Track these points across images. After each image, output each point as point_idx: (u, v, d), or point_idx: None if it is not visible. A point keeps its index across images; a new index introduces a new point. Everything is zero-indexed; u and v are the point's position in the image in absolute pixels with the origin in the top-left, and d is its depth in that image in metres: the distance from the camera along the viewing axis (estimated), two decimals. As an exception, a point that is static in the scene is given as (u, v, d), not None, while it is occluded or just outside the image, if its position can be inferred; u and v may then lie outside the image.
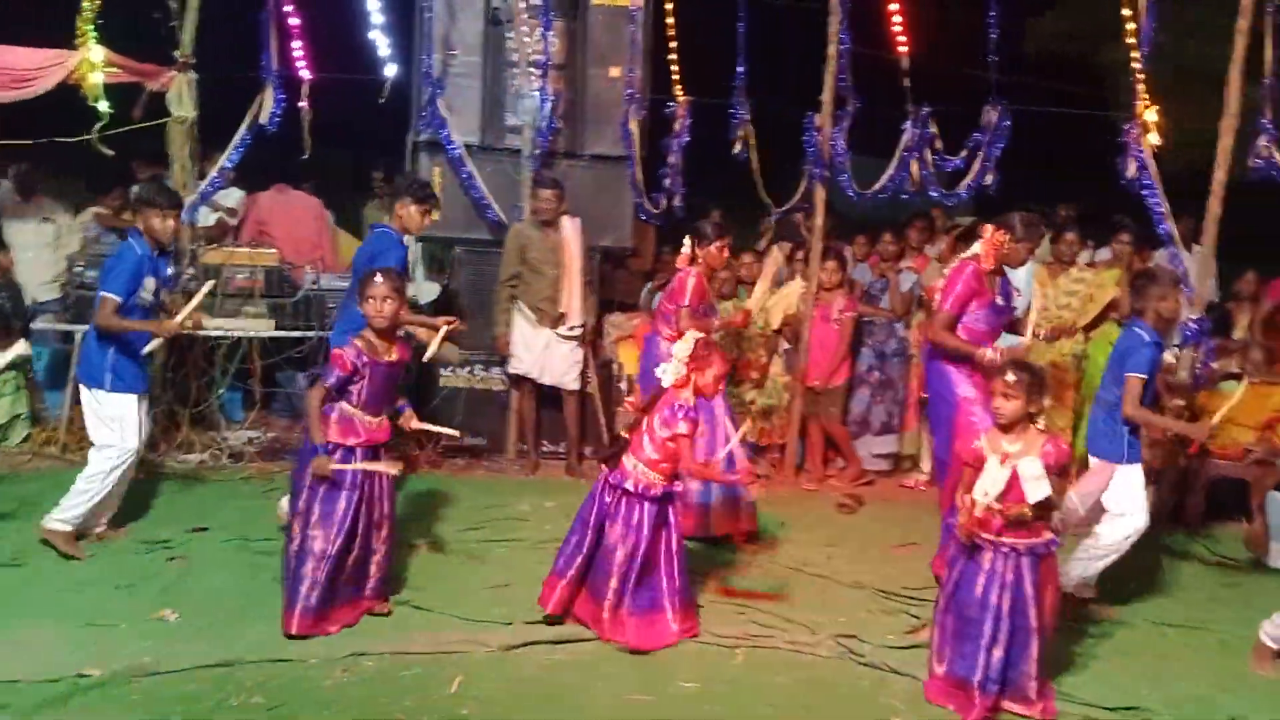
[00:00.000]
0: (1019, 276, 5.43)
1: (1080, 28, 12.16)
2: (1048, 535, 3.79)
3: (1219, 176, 5.94)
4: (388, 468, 4.35)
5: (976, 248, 5.07)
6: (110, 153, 6.13)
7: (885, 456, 7.16)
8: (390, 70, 7.30)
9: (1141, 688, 4.09)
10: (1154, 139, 6.18)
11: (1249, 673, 4.31)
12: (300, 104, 6.77)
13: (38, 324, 7.04)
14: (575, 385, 6.81)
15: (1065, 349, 6.39)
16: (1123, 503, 4.60)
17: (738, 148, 7.43)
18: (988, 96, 7.07)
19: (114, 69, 6.08)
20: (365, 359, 4.25)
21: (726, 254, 5.84)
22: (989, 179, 6.84)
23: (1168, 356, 5.60)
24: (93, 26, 5.93)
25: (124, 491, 5.12)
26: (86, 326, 6.26)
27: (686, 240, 5.74)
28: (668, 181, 7.45)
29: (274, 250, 6.98)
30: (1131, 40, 6.27)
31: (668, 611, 4.27)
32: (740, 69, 7.32)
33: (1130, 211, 6.85)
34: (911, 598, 4.86)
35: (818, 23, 6.91)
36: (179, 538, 5.16)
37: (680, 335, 5.60)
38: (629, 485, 4.25)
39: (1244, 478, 6.05)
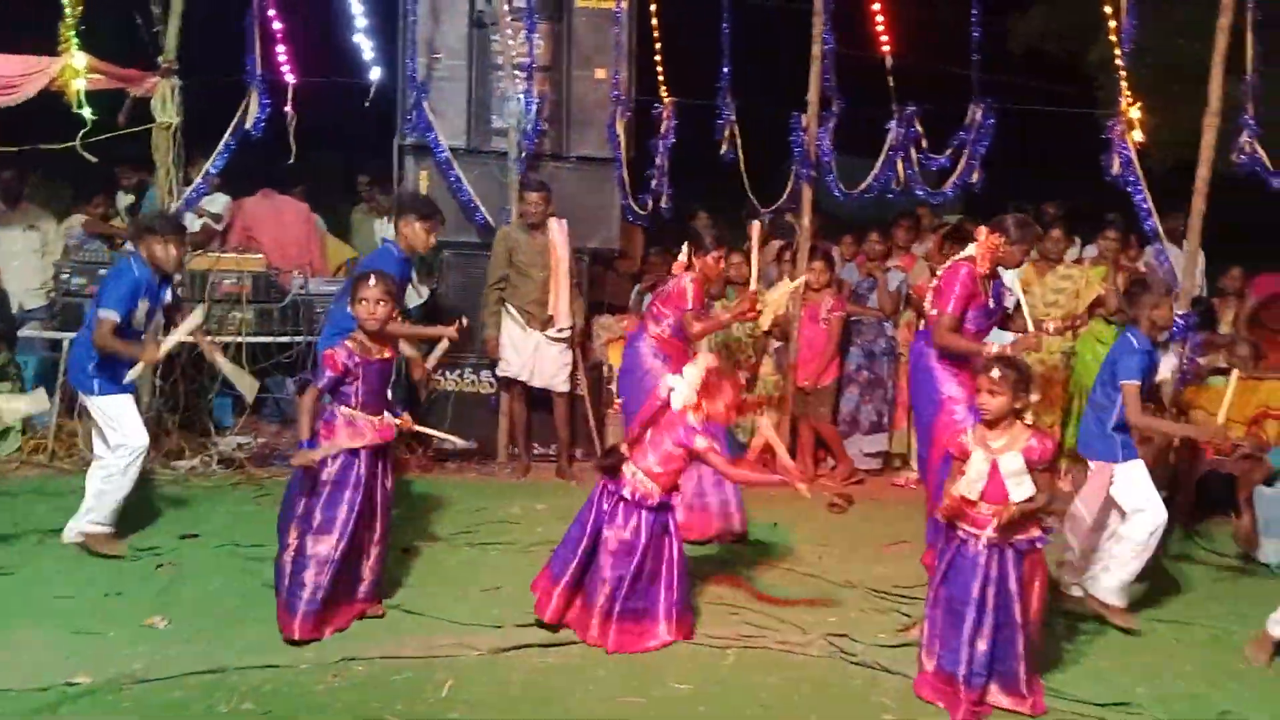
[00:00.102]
0: (1005, 274, 5.44)
1: (1067, 26, 12.21)
2: (1035, 531, 3.80)
3: (1202, 173, 5.96)
4: (358, 439, 4.26)
5: (971, 250, 5.06)
6: (94, 159, 6.12)
7: (875, 455, 7.18)
8: (375, 74, 7.28)
9: (1132, 684, 4.09)
10: (1138, 136, 6.21)
11: (1240, 668, 4.32)
12: (285, 108, 6.76)
13: (25, 331, 7.01)
14: (565, 387, 6.81)
15: (1054, 345, 6.42)
16: (1135, 499, 4.58)
17: (724, 148, 7.44)
18: (974, 95, 7.10)
19: (97, 75, 6.06)
20: (357, 359, 4.26)
21: (723, 265, 5.84)
22: (974, 177, 6.85)
23: (1164, 371, 5.58)
24: (75, 32, 5.92)
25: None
26: (73, 334, 6.29)
27: (685, 247, 5.74)
28: (654, 183, 7.46)
29: (261, 255, 6.96)
30: (1114, 38, 6.30)
31: (660, 622, 4.25)
32: (725, 69, 7.33)
33: (1119, 209, 6.89)
34: (903, 596, 4.86)
35: (802, 23, 6.94)
36: (169, 544, 5.15)
37: (683, 339, 5.65)
38: (626, 493, 4.25)
39: (1232, 473, 6.08)
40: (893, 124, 6.98)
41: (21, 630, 4.14)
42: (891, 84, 7.10)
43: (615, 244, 7.55)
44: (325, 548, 4.18)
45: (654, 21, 7.45)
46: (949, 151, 6.96)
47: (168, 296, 5.16)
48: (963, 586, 3.78)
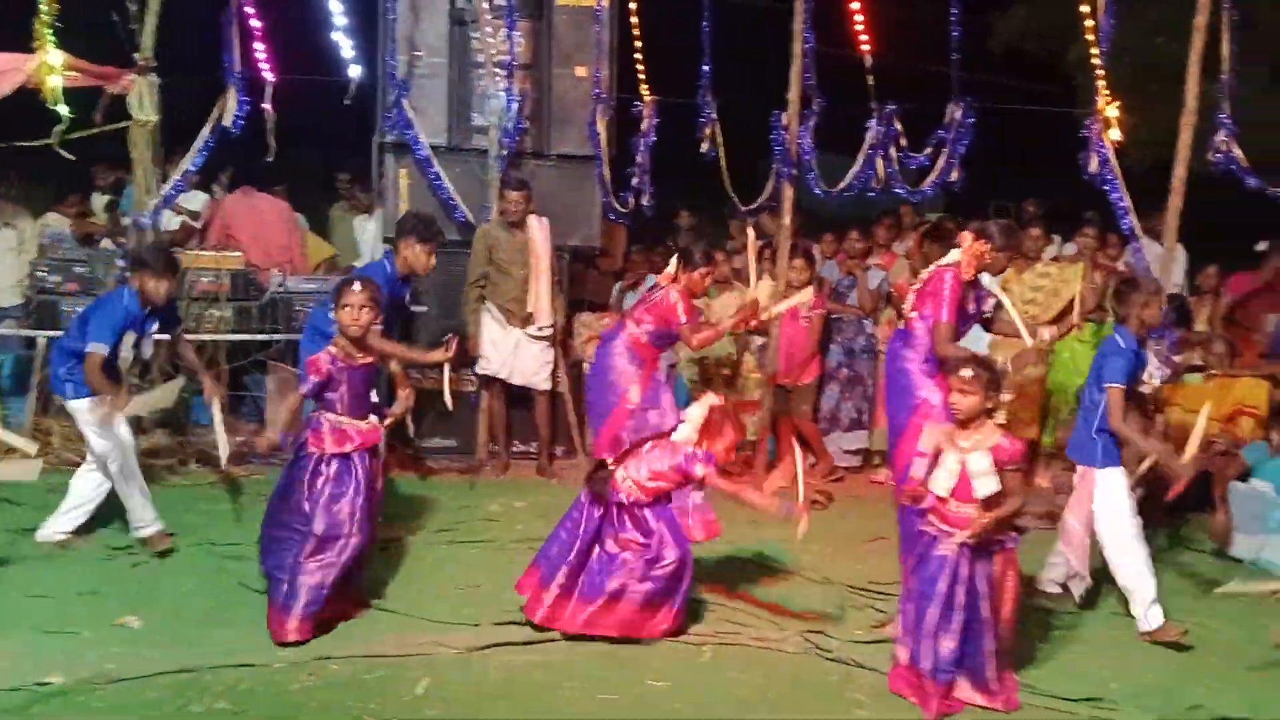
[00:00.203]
0: (983, 276, 5.44)
1: (1047, 25, 12.27)
2: (1006, 532, 3.82)
3: (1179, 172, 6.00)
4: (346, 444, 4.28)
5: (955, 256, 5.04)
6: (72, 157, 6.07)
7: (855, 452, 7.20)
8: (355, 71, 7.25)
9: (1105, 679, 4.12)
10: (1115, 134, 6.24)
11: (1213, 662, 4.36)
12: (264, 106, 6.72)
13: (0, 329, 6.97)
14: (546, 385, 6.80)
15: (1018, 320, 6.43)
16: (1106, 508, 4.55)
17: (705, 146, 7.44)
18: (953, 94, 7.12)
19: (73, 72, 6.01)
20: (340, 364, 4.27)
21: (708, 283, 5.85)
22: (954, 176, 6.87)
23: (1156, 379, 5.55)
24: (50, 29, 5.87)
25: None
26: (50, 333, 6.27)
27: (674, 260, 5.74)
28: (635, 181, 7.45)
29: (239, 253, 6.93)
30: (1091, 37, 6.33)
31: (663, 609, 4.27)
32: (706, 67, 7.33)
33: (1098, 207, 6.92)
34: (879, 592, 4.89)
35: (783, 21, 6.94)
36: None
37: (660, 347, 5.66)
38: (621, 498, 4.27)
39: (1208, 469, 6.11)
40: (872, 122, 6.99)
41: (-7, 631, 4.11)
42: (871, 83, 7.11)
43: (596, 242, 7.55)
44: (331, 553, 4.19)
45: (634, 20, 7.45)
46: (928, 150, 6.98)
47: (154, 327, 5.16)
48: (929, 582, 3.80)
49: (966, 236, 5.04)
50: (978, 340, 5.53)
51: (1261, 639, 4.47)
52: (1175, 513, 6.24)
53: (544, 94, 7.26)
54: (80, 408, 4.95)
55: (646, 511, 4.28)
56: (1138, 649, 4.46)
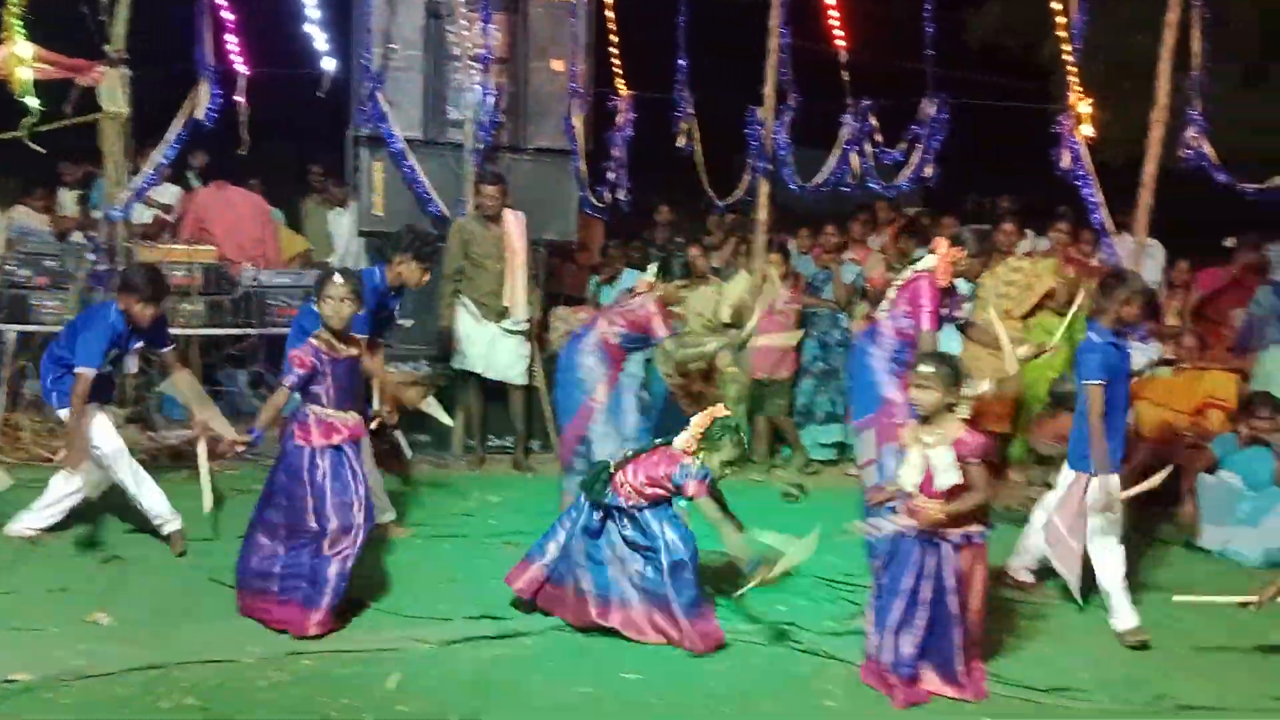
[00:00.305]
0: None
1: (1022, 21, 12.32)
2: (973, 526, 3.85)
3: (1149, 168, 6.07)
4: (335, 436, 4.31)
5: (930, 262, 5.07)
6: (42, 150, 6.02)
7: (830, 446, 7.23)
8: (328, 64, 7.21)
9: (1073, 668, 4.17)
10: (1087, 130, 6.29)
11: (1180, 652, 4.40)
12: (237, 99, 6.67)
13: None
14: (522, 380, 6.80)
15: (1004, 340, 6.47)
16: (1099, 507, 4.53)
17: (681, 141, 7.46)
18: (928, 90, 7.15)
19: (43, 64, 5.96)
20: (324, 356, 4.27)
21: (683, 294, 5.87)
22: (928, 171, 6.91)
23: (1140, 361, 5.52)
24: (19, 21, 5.81)
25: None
26: (16, 326, 6.22)
27: (652, 268, 5.75)
28: (612, 175, 7.45)
29: (212, 247, 6.89)
30: (1063, 34, 6.38)
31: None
32: (682, 62, 7.33)
33: (1073, 203, 6.96)
34: (852, 585, 4.91)
35: (760, 16, 6.96)
36: (115, 539, 5.09)
37: (628, 350, 5.67)
38: (621, 502, 4.28)
39: (1176, 461, 6.16)
40: (847, 118, 7.02)
41: (-39, 628, 4.07)
42: (847, 78, 7.15)
43: (572, 236, 7.54)
44: (347, 543, 4.21)
45: (610, 14, 7.44)
46: (903, 145, 7.01)
47: (137, 344, 5.12)
48: (894, 578, 3.84)
49: (942, 243, 5.06)
50: (949, 342, 5.56)
51: (1226, 629, 4.52)
52: (1144, 505, 6.31)
53: (520, 88, 7.24)
54: (66, 415, 4.90)
55: (647, 514, 4.28)
56: (1105, 639, 4.50)
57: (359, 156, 7.06)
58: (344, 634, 4.18)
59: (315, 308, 4.40)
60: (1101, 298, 4.64)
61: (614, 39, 7.59)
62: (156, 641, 4.01)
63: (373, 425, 4.76)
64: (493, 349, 6.67)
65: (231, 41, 6.59)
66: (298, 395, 4.34)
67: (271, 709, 3.61)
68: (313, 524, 4.21)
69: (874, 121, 7.08)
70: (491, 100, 6.96)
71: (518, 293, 6.65)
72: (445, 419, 5.62)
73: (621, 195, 7.49)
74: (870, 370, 5.00)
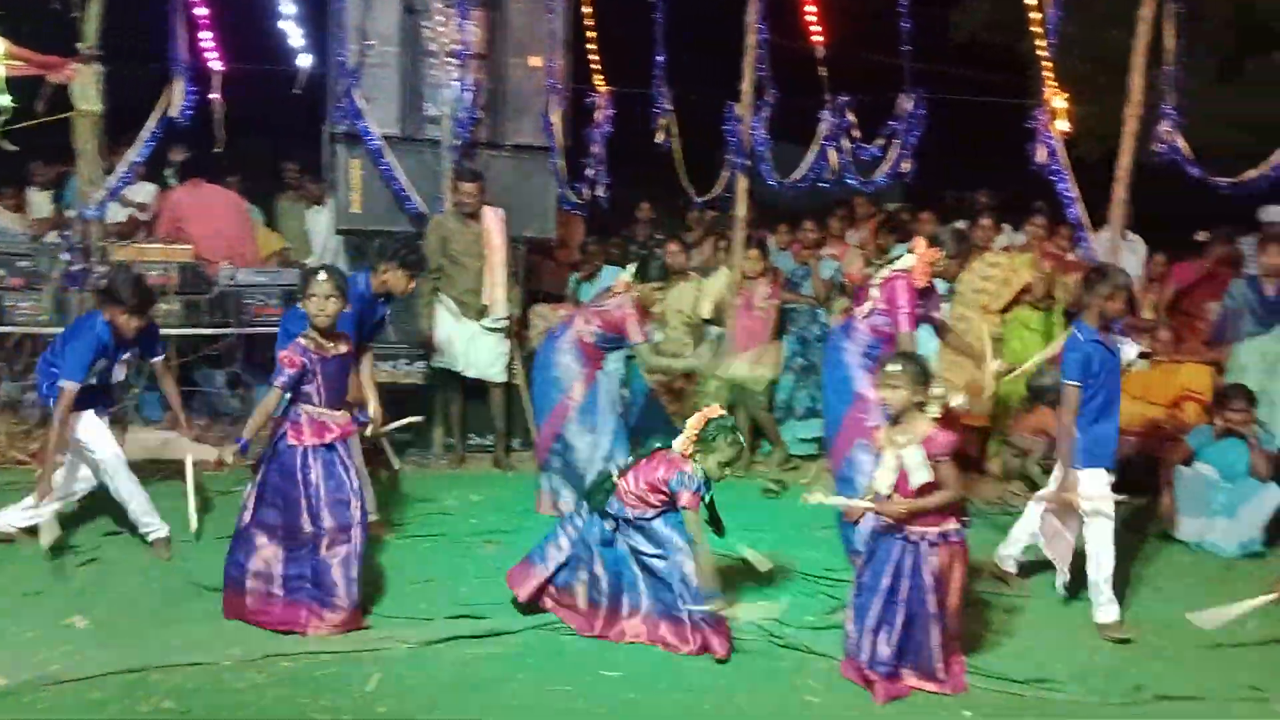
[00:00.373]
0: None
1: (1001, 17, 12.36)
2: (950, 524, 3.87)
3: (1124, 162, 6.08)
4: (327, 434, 4.32)
5: (909, 262, 5.07)
6: (14, 148, 5.95)
7: (809, 441, 7.24)
8: (304, 61, 7.15)
9: (1051, 660, 4.21)
10: (1062, 125, 6.31)
11: (1157, 644, 4.44)
12: (212, 96, 6.61)
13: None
14: (501, 377, 6.78)
15: (982, 332, 6.50)
16: (1094, 503, 4.55)
17: (660, 137, 7.44)
18: (905, 86, 7.17)
19: (14, 61, 5.88)
20: (313, 355, 4.25)
21: (657, 297, 5.86)
22: (905, 166, 6.92)
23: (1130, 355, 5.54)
24: (-10, 17, 5.74)
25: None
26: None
27: (630, 269, 5.72)
28: (590, 171, 7.43)
29: (188, 246, 6.83)
30: (1038, 29, 6.40)
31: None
32: (660, 58, 7.32)
33: (1050, 198, 6.99)
34: (833, 580, 4.92)
35: (737, 12, 6.95)
36: (92, 542, 5.04)
37: (604, 350, 5.66)
38: (629, 514, 4.27)
39: (1153, 454, 6.22)
40: (825, 113, 7.02)
41: (-65, 633, 4.04)
42: (824, 74, 7.15)
43: (551, 233, 7.51)
44: (350, 540, 4.25)
45: (588, 9, 7.42)
46: (880, 141, 7.03)
47: (126, 355, 5.06)
48: (873, 575, 3.86)
49: (921, 243, 5.07)
50: (926, 344, 5.58)
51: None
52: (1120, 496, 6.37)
53: (498, 84, 7.20)
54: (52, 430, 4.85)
55: (656, 523, 4.27)
56: (1083, 631, 4.54)
57: (336, 153, 7.01)
58: (323, 635, 4.16)
59: (300, 307, 4.38)
60: (1085, 293, 4.65)
61: (592, 35, 7.57)
62: (134, 644, 3.99)
63: (367, 432, 4.86)
64: (472, 347, 6.65)
65: (206, 38, 6.51)
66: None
67: (250, 711, 3.60)
68: (308, 526, 4.21)
69: (852, 117, 7.07)
70: (469, 96, 6.93)
71: (497, 290, 6.63)
72: (412, 419, 5.54)
73: (600, 192, 7.46)
74: (844, 365, 5.02)
